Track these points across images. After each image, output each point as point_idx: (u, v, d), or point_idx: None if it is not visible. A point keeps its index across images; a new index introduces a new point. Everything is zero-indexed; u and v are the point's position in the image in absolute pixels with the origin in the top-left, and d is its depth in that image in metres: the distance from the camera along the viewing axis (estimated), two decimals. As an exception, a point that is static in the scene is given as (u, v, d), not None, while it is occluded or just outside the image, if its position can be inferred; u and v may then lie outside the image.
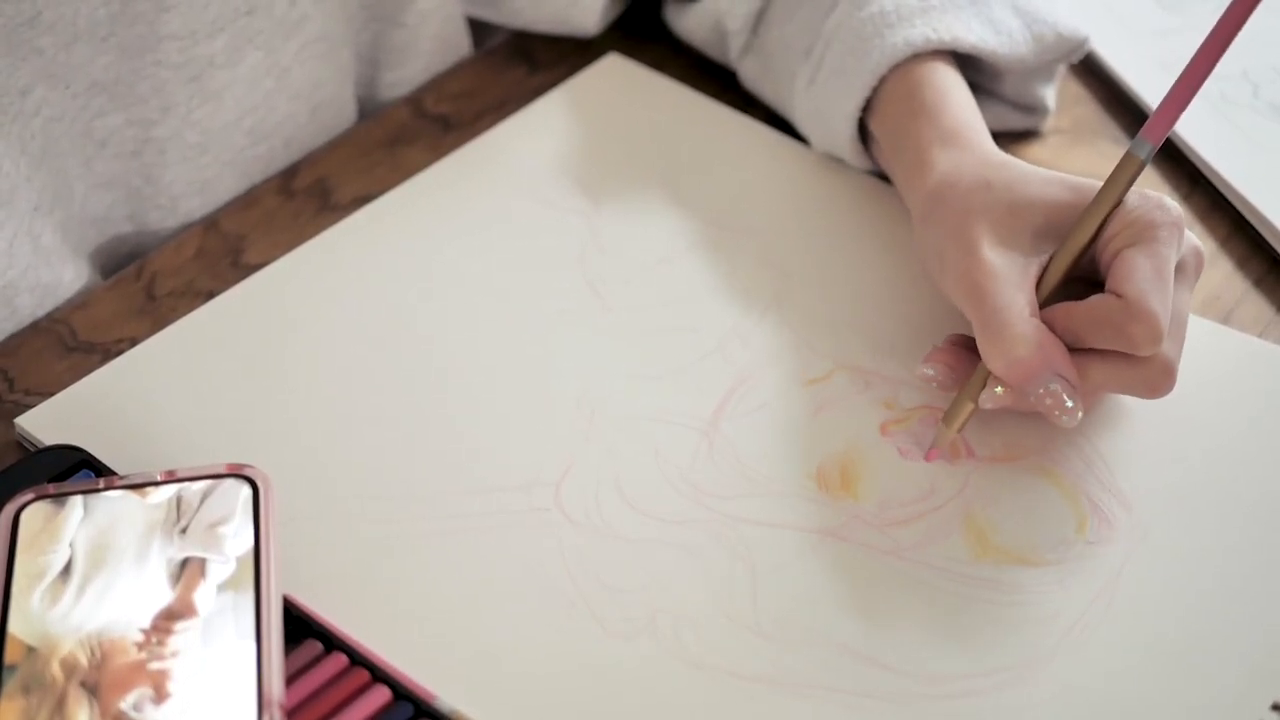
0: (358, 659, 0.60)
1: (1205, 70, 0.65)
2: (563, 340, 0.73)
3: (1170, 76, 0.85)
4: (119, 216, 0.78)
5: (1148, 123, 0.66)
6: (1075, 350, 0.66)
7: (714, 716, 0.60)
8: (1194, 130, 0.83)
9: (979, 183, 0.69)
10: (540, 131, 0.84)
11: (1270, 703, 0.60)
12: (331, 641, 0.61)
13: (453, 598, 0.64)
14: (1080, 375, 0.65)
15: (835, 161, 0.81)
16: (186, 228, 0.79)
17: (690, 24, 0.86)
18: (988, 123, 0.77)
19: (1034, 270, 0.67)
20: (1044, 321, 0.66)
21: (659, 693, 0.61)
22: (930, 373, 0.69)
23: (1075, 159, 0.82)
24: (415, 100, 0.87)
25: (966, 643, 0.62)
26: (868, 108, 0.76)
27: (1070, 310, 0.66)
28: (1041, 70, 0.80)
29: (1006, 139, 0.81)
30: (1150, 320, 0.64)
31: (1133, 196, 0.67)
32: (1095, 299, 0.65)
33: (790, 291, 0.76)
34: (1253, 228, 0.79)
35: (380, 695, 0.59)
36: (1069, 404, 0.65)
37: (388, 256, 0.77)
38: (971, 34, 0.75)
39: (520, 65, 0.89)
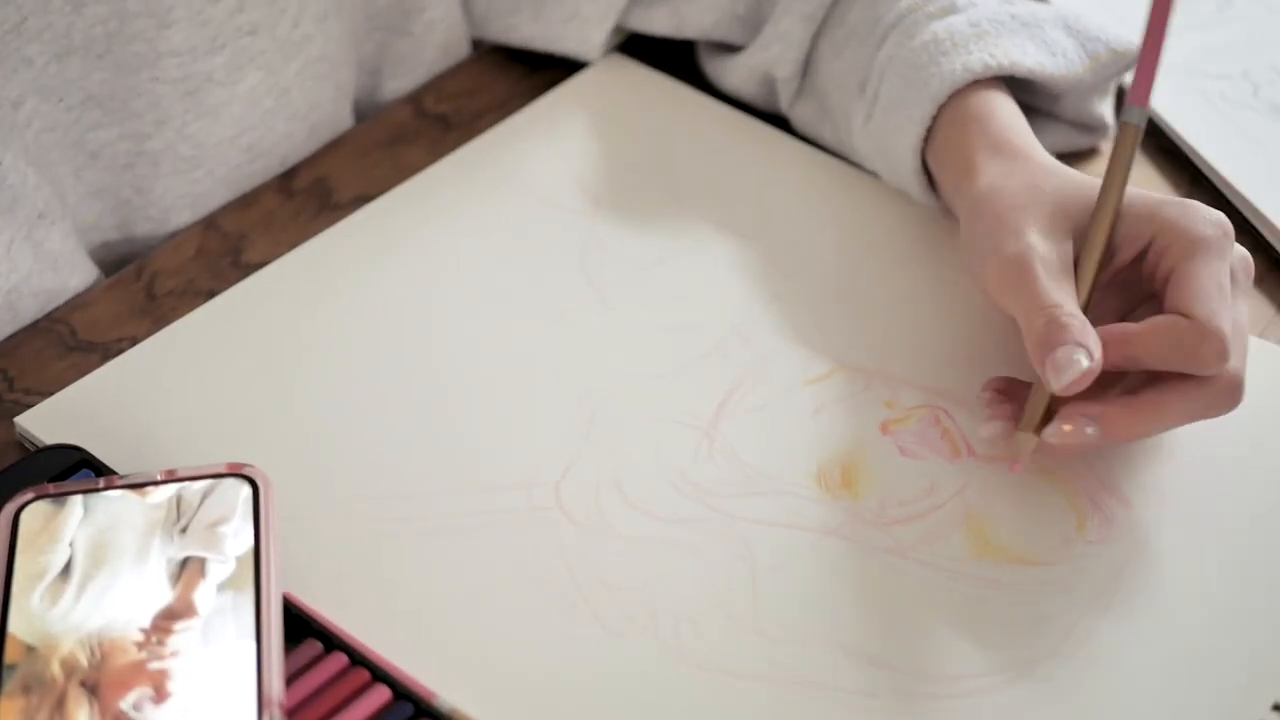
0: (358, 658, 0.60)
1: (1164, 21, 0.64)
2: (563, 339, 0.73)
3: (1171, 77, 0.86)
4: (107, 225, 0.78)
5: (1130, 88, 0.66)
6: (1146, 388, 0.65)
7: (714, 716, 0.60)
8: (1194, 130, 0.83)
9: (1026, 184, 0.68)
10: (541, 130, 0.84)
11: (1271, 703, 0.60)
12: (331, 641, 0.61)
13: (453, 597, 0.64)
14: (1155, 416, 0.64)
15: (836, 161, 0.81)
16: (173, 236, 0.79)
17: (735, 79, 0.84)
18: (1049, 145, 0.76)
19: (1073, 269, 0.66)
20: (1106, 336, 0.64)
21: (659, 692, 0.61)
22: (989, 412, 0.68)
23: (1077, 159, 0.82)
24: (415, 100, 0.87)
25: (967, 642, 0.62)
26: (927, 138, 0.75)
27: (1132, 331, 0.64)
28: (1097, 88, 0.79)
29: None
30: (1219, 339, 0.63)
31: (1175, 206, 0.66)
32: (1160, 320, 0.64)
33: (791, 290, 0.76)
34: (1253, 227, 0.79)
35: (380, 695, 0.59)
36: (1089, 433, 0.64)
37: (388, 256, 0.77)
38: (1028, 58, 0.74)
39: (520, 65, 0.89)
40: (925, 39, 0.75)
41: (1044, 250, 0.66)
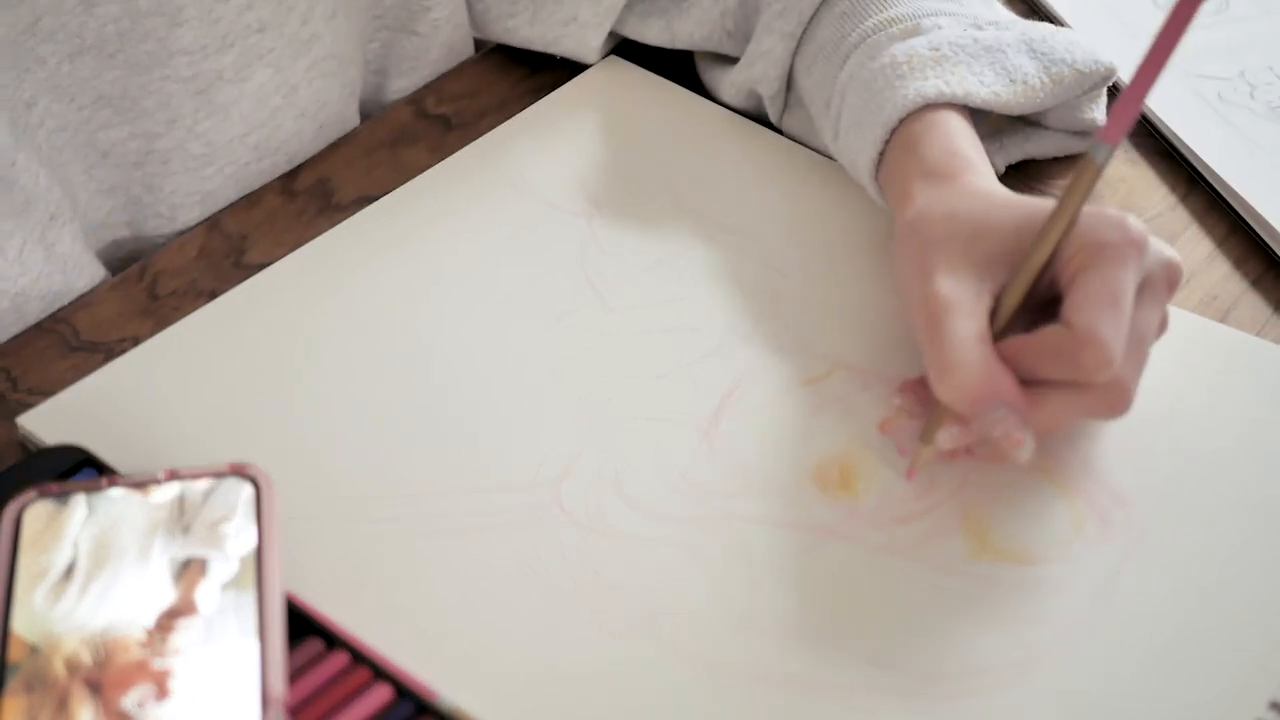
0: (359, 657, 0.60)
1: (1159, 65, 0.62)
2: (563, 340, 0.73)
3: (1169, 78, 0.86)
4: (117, 223, 0.79)
5: (1106, 124, 0.64)
6: (1031, 382, 0.64)
7: (713, 715, 0.60)
8: (1192, 131, 0.83)
9: (946, 213, 0.68)
10: (541, 133, 0.84)
11: (1268, 701, 0.61)
12: (333, 640, 0.61)
13: (453, 596, 0.64)
14: (1036, 406, 0.64)
15: (833, 162, 0.81)
16: (183, 234, 0.80)
17: (726, 94, 0.85)
18: (1041, 150, 0.76)
19: (988, 299, 0.66)
20: (999, 354, 0.64)
21: (658, 691, 0.61)
22: (898, 401, 0.69)
23: (1074, 159, 0.82)
24: (417, 101, 0.87)
25: (964, 641, 0.62)
26: (880, 160, 0.75)
27: (1021, 344, 0.64)
28: (1077, 101, 0.79)
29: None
30: (1099, 348, 0.62)
31: (1088, 216, 0.65)
32: (1045, 330, 0.64)
33: (789, 291, 0.76)
34: (1250, 227, 0.79)
35: (382, 693, 0.59)
36: (1018, 434, 0.63)
37: (389, 257, 0.77)
38: (984, 87, 0.74)
39: (521, 66, 0.89)
40: (884, 61, 0.75)
41: (949, 290, 0.65)
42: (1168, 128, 0.84)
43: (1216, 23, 0.91)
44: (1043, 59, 0.76)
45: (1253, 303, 0.76)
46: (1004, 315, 0.66)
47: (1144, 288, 0.65)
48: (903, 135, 0.73)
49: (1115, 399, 0.64)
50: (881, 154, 0.74)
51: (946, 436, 0.66)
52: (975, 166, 0.72)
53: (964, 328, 0.64)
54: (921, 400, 0.69)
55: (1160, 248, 0.66)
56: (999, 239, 0.67)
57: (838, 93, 0.77)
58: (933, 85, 0.73)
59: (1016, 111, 0.76)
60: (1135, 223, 0.65)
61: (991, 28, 0.77)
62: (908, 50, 0.75)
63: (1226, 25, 0.91)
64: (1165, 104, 0.85)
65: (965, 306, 0.65)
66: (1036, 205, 0.67)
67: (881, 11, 0.77)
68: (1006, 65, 0.75)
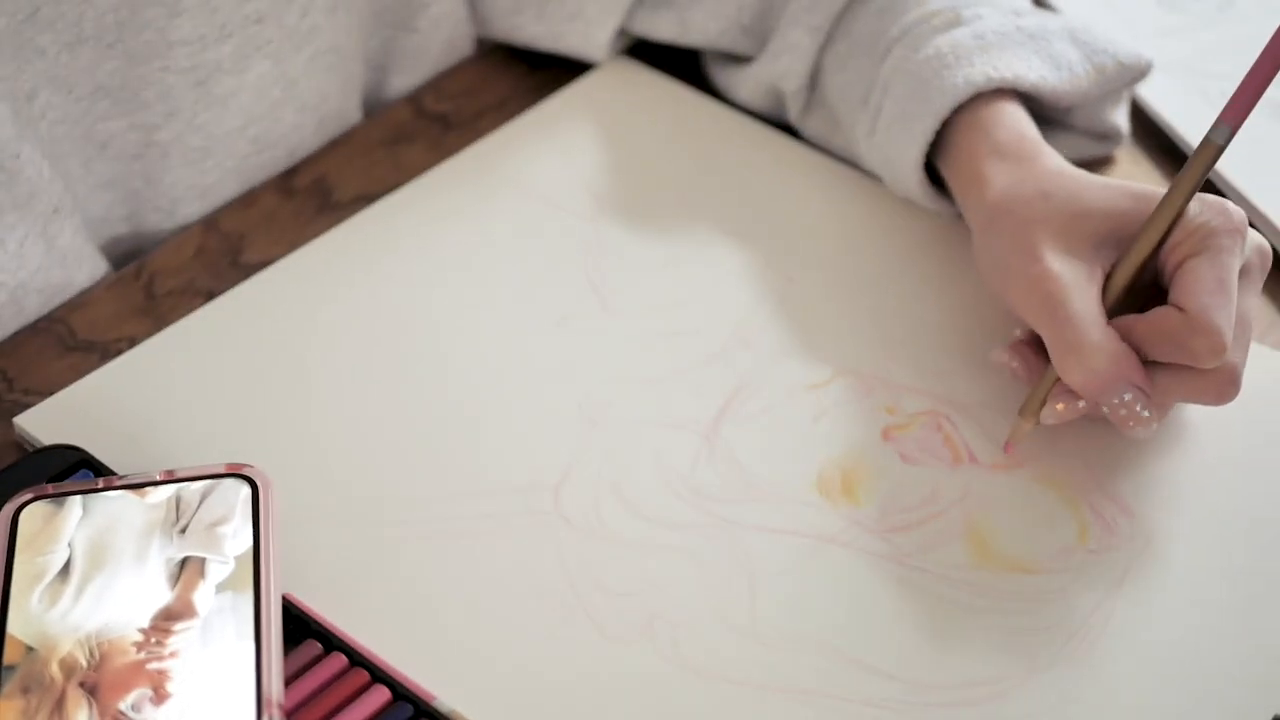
0: (357, 659, 0.60)
1: None
2: (565, 343, 0.73)
3: (1171, 77, 0.86)
4: (116, 217, 0.79)
5: (1227, 104, 0.65)
6: (1142, 361, 0.66)
7: (712, 722, 0.60)
8: (1195, 129, 0.83)
9: (1038, 193, 0.69)
10: (547, 133, 0.83)
11: (1272, 715, 0.60)
12: (331, 642, 0.61)
13: (451, 599, 0.64)
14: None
15: (840, 166, 0.81)
16: (184, 229, 0.79)
17: (744, 91, 0.84)
18: (1063, 152, 0.76)
19: (1099, 277, 0.67)
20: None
21: (655, 697, 0.61)
22: (1006, 359, 0.69)
23: (1090, 166, 0.82)
24: (415, 99, 0.86)
25: (966, 650, 0.62)
26: (933, 151, 0.75)
27: (1133, 323, 0.66)
28: (1109, 98, 0.79)
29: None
30: (1213, 334, 0.64)
31: (1194, 204, 0.67)
32: (1157, 312, 0.65)
33: (794, 296, 0.75)
34: (1253, 227, 0.79)
35: (380, 695, 0.59)
36: (1144, 414, 0.65)
37: (390, 257, 0.77)
38: (1032, 72, 0.74)
39: (521, 64, 0.89)
40: (929, 53, 0.75)
41: (1062, 269, 0.66)
42: (1170, 126, 0.84)
43: (1219, 21, 0.91)
44: (1085, 48, 0.77)
45: (1256, 304, 0.75)
46: (1112, 296, 0.67)
47: (1243, 274, 0.67)
48: (965, 123, 0.73)
49: (1225, 384, 0.66)
50: (942, 141, 0.74)
51: (1051, 414, 0.67)
52: (1046, 148, 0.72)
53: (1088, 308, 0.65)
54: (1029, 365, 0.69)
55: (1253, 235, 0.68)
56: (1098, 220, 0.68)
57: (879, 87, 0.76)
58: (980, 71, 0.73)
59: (1063, 98, 0.76)
60: (1235, 209, 0.67)
61: (1033, 16, 0.77)
62: (951, 41, 0.75)
63: (1230, 24, 0.91)
64: (1168, 102, 0.84)
65: (1081, 285, 0.66)
66: (1128, 187, 0.69)
67: (921, 6, 0.77)
68: (1051, 52, 0.76)
